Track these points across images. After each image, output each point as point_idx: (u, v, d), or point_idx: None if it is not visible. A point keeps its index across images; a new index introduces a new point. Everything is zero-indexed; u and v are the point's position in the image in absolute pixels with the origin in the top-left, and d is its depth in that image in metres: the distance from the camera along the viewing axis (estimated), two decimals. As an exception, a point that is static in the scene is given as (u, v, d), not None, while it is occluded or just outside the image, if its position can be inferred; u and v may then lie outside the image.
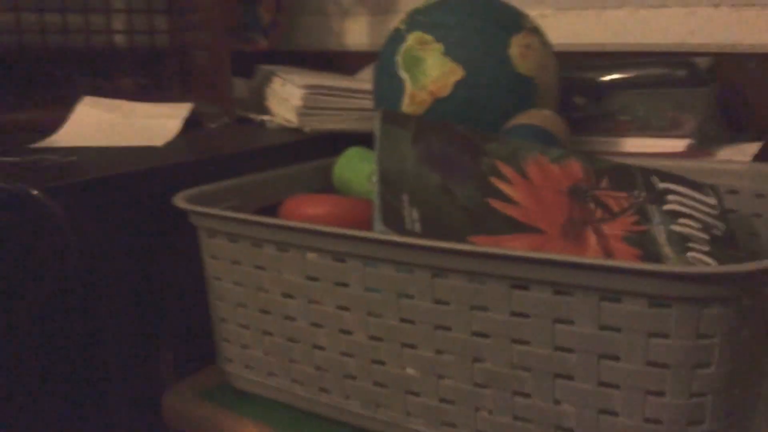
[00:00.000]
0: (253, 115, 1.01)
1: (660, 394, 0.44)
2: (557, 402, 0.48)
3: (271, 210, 0.72)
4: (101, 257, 0.67)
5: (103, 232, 0.67)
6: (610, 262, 0.43)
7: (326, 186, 0.81)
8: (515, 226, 0.55)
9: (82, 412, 0.67)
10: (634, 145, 0.78)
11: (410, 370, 0.54)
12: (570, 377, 0.47)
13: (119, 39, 1.10)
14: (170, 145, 0.83)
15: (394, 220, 0.52)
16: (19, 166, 0.70)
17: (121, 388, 0.69)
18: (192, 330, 0.75)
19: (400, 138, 0.59)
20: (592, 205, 0.58)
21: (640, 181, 0.62)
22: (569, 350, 0.46)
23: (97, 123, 0.89)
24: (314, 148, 0.91)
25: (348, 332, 0.56)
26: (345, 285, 0.55)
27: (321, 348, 0.58)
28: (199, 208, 0.60)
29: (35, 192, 0.62)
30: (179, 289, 0.74)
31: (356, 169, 0.77)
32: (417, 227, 0.52)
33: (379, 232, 0.51)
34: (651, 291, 0.42)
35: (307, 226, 0.54)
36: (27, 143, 0.81)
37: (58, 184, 0.64)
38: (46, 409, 0.65)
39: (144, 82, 1.10)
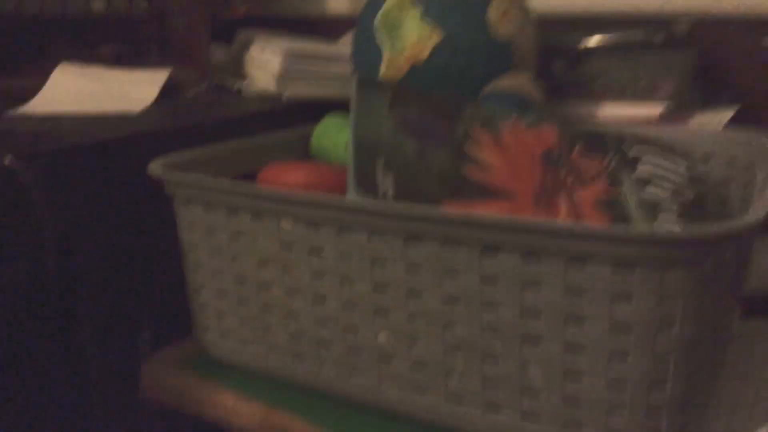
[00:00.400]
0: (231, 82, 1.00)
1: (623, 355, 0.45)
2: (524, 365, 0.48)
3: (249, 178, 0.71)
4: (76, 227, 0.67)
5: (78, 200, 0.67)
6: (575, 226, 0.43)
7: (305, 154, 0.80)
8: (488, 192, 0.55)
9: (58, 383, 0.67)
10: (611, 110, 0.78)
11: (382, 337, 0.54)
12: (537, 341, 0.47)
13: (97, 5, 1.08)
14: (146, 113, 0.82)
15: (367, 186, 0.52)
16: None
17: (98, 359, 0.69)
18: (170, 302, 0.75)
19: (376, 104, 0.59)
20: (565, 171, 0.59)
21: (613, 146, 0.62)
22: (537, 314, 0.47)
23: (73, 90, 0.88)
24: (294, 116, 0.90)
25: (322, 299, 0.56)
26: (319, 252, 0.55)
27: (295, 316, 0.58)
28: (175, 176, 0.60)
29: (8, 160, 0.62)
30: (157, 259, 0.74)
31: (334, 136, 0.77)
32: (391, 193, 0.53)
33: (353, 197, 0.52)
34: (616, 255, 0.43)
35: (280, 192, 0.54)
36: (2, 111, 0.81)
37: (32, 151, 0.63)
38: (23, 381, 0.65)
39: (122, 48, 1.09)
